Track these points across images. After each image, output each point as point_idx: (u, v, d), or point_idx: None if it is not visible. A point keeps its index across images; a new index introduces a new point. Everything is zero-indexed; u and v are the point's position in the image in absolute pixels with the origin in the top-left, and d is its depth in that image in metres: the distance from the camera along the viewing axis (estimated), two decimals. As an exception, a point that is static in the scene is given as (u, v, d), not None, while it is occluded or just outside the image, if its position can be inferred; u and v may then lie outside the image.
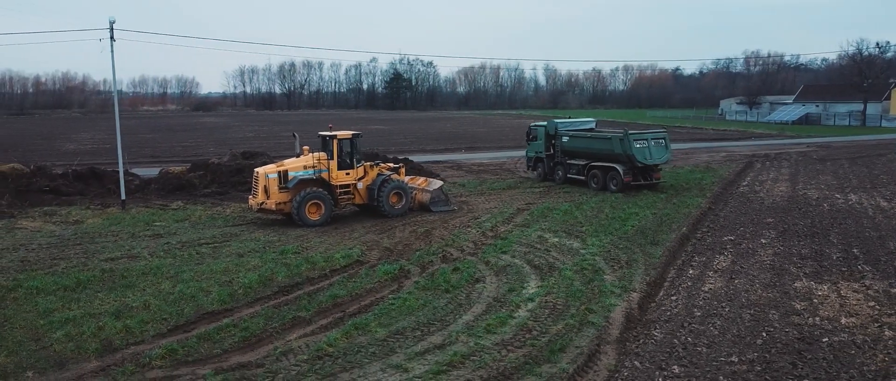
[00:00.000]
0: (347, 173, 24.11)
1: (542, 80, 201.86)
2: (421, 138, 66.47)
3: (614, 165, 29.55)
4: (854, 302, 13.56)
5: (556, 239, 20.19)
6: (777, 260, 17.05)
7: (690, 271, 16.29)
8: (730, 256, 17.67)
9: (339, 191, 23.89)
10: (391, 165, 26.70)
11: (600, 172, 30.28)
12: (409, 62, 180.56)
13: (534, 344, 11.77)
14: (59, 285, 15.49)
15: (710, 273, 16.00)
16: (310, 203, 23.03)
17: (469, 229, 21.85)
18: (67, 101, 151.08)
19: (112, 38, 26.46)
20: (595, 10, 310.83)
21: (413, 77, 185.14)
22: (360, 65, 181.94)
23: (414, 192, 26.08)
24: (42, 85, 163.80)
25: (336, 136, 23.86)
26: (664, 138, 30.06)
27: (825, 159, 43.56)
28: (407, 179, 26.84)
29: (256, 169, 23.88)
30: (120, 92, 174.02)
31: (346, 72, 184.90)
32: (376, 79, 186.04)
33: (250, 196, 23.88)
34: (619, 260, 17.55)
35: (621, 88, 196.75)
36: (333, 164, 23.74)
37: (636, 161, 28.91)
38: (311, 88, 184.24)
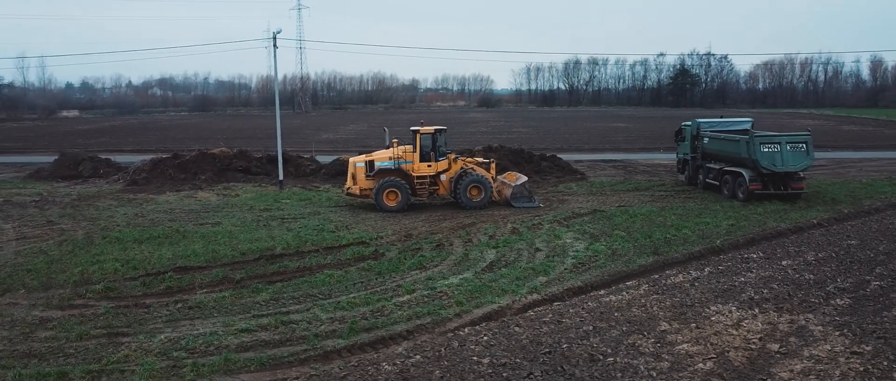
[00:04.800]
0: (429, 166, 26.03)
1: (865, 73, 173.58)
2: (638, 137, 63.83)
3: (741, 171, 26.54)
4: (735, 333, 11.69)
5: (570, 239, 19.75)
6: (746, 282, 14.66)
7: (630, 282, 15.14)
8: (706, 273, 15.69)
9: (417, 181, 25.95)
10: (480, 160, 27.82)
11: (731, 178, 27.40)
12: (699, 56, 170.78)
13: (354, 325, 12.70)
14: (132, 238, 20.37)
15: (646, 287, 14.68)
16: (387, 190, 25.50)
17: (508, 224, 22.26)
18: (376, 97, 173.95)
19: (274, 46, 32.13)
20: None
21: (702, 72, 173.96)
22: (646, 61, 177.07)
23: (497, 186, 26.87)
24: (362, 84, 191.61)
25: (419, 130, 25.97)
26: (806, 142, 25.96)
27: None
28: (503, 175, 27.86)
29: (350, 158, 27.13)
30: (426, 90, 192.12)
31: (631, 66, 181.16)
32: (663, 75, 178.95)
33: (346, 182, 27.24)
34: (587, 264, 16.89)
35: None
36: (416, 156, 25.89)
37: (761, 167, 25.58)
38: (595, 86, 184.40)
